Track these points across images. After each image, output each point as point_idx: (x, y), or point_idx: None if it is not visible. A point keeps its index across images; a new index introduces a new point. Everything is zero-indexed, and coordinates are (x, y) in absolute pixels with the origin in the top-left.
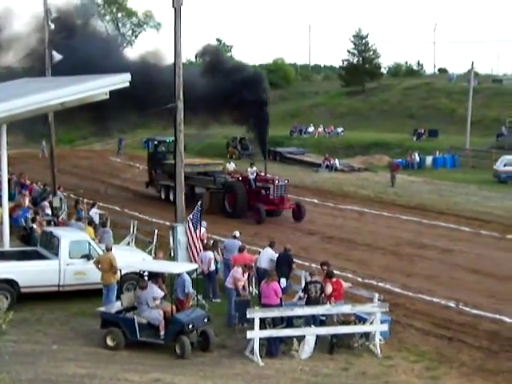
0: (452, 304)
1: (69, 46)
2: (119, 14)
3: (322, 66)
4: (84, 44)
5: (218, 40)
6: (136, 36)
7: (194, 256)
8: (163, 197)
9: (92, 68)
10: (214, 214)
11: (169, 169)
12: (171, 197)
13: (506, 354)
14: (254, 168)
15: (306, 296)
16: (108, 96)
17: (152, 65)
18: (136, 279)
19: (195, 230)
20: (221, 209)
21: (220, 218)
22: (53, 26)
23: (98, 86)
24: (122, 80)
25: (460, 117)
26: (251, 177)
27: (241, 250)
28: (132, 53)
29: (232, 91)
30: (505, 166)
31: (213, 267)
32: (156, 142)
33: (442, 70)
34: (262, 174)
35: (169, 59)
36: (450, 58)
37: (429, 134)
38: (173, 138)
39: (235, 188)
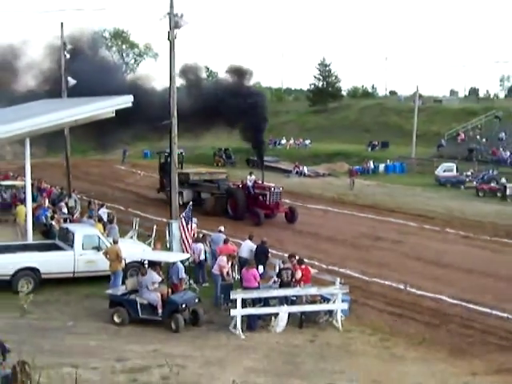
0: (401, 286)
1: (82, 73)
2: (123, 46)
3: (293, 88)
4: (94, 70)
5: (206, 67)
6: (138, 64)
7: (186, 247)
8: None
9: (100, 91)
10: (217, 215)
11: (180, 177)
12: (180, 200)
13: (444, 327)
14: (253, 176)
15: (280, 280)
16: (114, 114)
17: (148, 88)
18: (138, 267)
19: (187, 226)
20: (224, 212)
21: (223, 219)
22: (68, 56)
23: (105, 106)
24: (125, 101)
25: (407, 131)
26: (250, 184)
27: (225, 242)
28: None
29: (236, 109)
30: (444, 171)
31: (203, 256)
32: (166, 154)
33: (393, 92)
34: (260, 181)
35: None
36: (399, 82)
37: (381, 146)
38: (181, 150)
39: (236, 194)
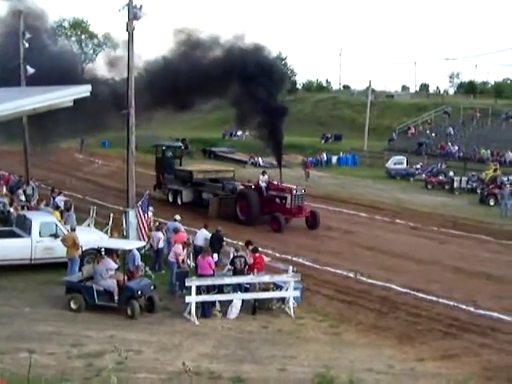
0: (352, 275)
1: (40, 62)
2: (83, 36)
3: None
4: (53, 60)
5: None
6: (96, 54)
7: (142, 235)
8: (171, 200)
9: (59, 79)
10: (221, 218)
11: (181, 174)
12: (179, 200)
13: (393, 315)
14: (266, 176)
15: (233, 268)
16: (73, 103)
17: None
18: (94, 254)
19: (143, 215)
20: (230, 214)
21: (232, 224)
22: (27, 45)
23: (64, 95)
24: (84, 90)
25: (359, 125)
26: (263, 185)
27: (180, 230)
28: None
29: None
30: (394, 164)
31: (161, 244)
32: (164, 148)
33: (346, 87)
34: (275, 182)
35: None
36: (353, 77)
37: (334, 138)
38: (180, 145)
39: (248, 196)
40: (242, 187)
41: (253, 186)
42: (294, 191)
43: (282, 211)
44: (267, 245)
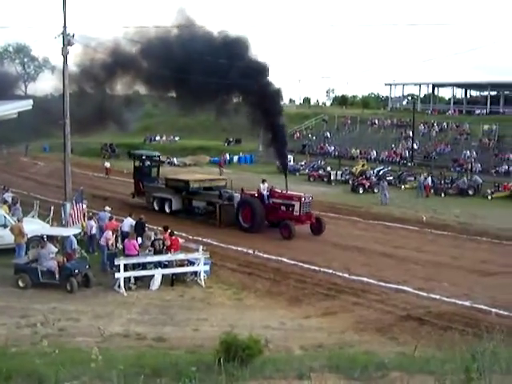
0: (250, 251)
1: None
2: (25, 59)
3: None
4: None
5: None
6: (37, 74)
7: (75, 222)
8: (156, 208)
9: (4, 96)
10: (222, 227)
11: (175, 183)
12: (167, 208)
13: (284, 282)
14: (266, 184)
15: (153, 248)
16: (17, 115)
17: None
18: (38, 240)
19: (77, 206)
20: (231, 222)
21: (235, 232)
22: None
23: (9, 108)
24: (27, 104)
25: (255, 130)
26: (265, 193)
27: (110, 219)
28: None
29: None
30: None
31: (94, 231)
32: (144, 157)
33: (244, 99)
34: (277, 190)
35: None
36: None
37: (235, 142)
38: (157, 153)
39: (252, 204)
40: (245, 196)
41: (256, 195)
42: (303, 199)
43: (289, 218)
44: (182, 229)
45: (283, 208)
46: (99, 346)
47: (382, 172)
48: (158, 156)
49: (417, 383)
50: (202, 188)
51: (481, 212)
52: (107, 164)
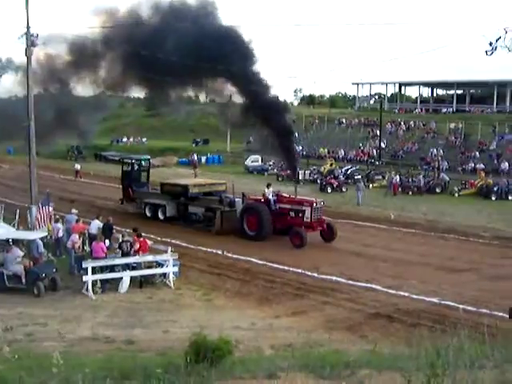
0: (220, 252)
1: None
2: None
3: (132, 97)
4: None
5: None
6: (0, 76)
7: (40, 226)
8: (149, 215)
9: None
10: (225, 234)
11: (172, 189)
12: (160, 215)
13: (253, 282)
14: (271, 189)
15: (121, 250)
16: None
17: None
18: (4, 244)
19: (43, 209)
20: (231, 230)
21: (238, 240)
22: None
23: None
24: None
25: (223, 131)
26: (271, 198)
27: (77, 221)
28: None
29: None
30: (252, 162)
31: (61, 234)
32: (133, 161)
33: (212, 100)
34: (285, 195)
35: None
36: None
37: (203, 142)
38: (148, 157)
39: (258, 210)
40: (250, 201)
41: (262, 200)
42: (315, 204)
43: (299, 225)
44: (150, 232)
45: (292, 214)
46: (67, 351)
47: (350, 171)
48: (149, 160)
49: (385, 380)
50: (202, 193)
51: (448, 209)
52: (77, 166)
